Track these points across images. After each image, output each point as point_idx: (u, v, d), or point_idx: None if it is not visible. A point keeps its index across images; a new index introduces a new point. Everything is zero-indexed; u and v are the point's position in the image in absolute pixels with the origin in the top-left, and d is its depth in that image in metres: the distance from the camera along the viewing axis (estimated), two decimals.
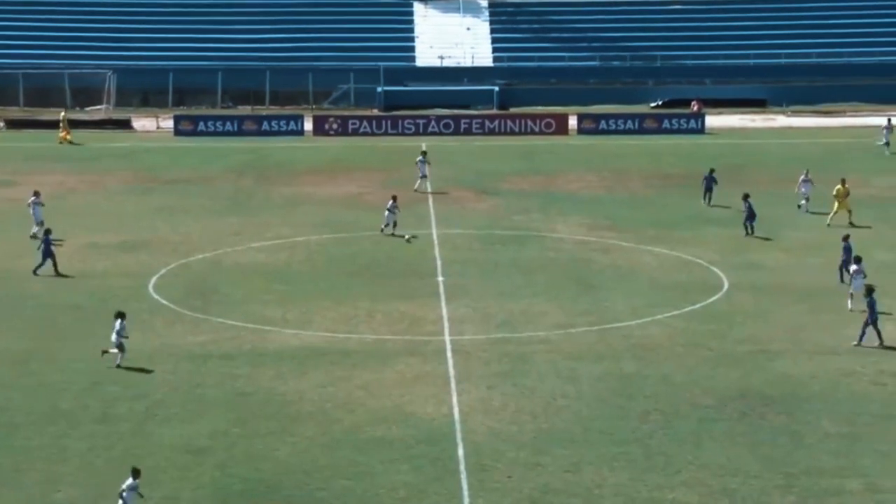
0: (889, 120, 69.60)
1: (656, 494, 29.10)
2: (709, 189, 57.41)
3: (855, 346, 38.34)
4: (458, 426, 32.88)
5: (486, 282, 46.26)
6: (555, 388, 35.57)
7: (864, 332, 38.37)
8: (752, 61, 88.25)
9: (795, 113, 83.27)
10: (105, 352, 37.23)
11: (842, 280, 44.37)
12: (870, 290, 38.57)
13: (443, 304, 43.52)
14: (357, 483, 29.38)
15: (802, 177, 56.71)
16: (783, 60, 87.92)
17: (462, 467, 30.41)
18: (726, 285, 45.49)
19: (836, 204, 54.42)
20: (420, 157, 61.64)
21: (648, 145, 74.62)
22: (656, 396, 34.94)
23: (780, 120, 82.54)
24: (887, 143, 68.02)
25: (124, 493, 27.51)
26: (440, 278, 46.69)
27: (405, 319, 41.87)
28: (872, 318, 38.17)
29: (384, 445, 31.79)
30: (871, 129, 77.96)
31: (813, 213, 55.49)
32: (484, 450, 31.40)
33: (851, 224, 53.68)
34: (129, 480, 27.66)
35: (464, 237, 52.42)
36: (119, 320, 37.32)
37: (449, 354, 38.44)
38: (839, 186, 54.82)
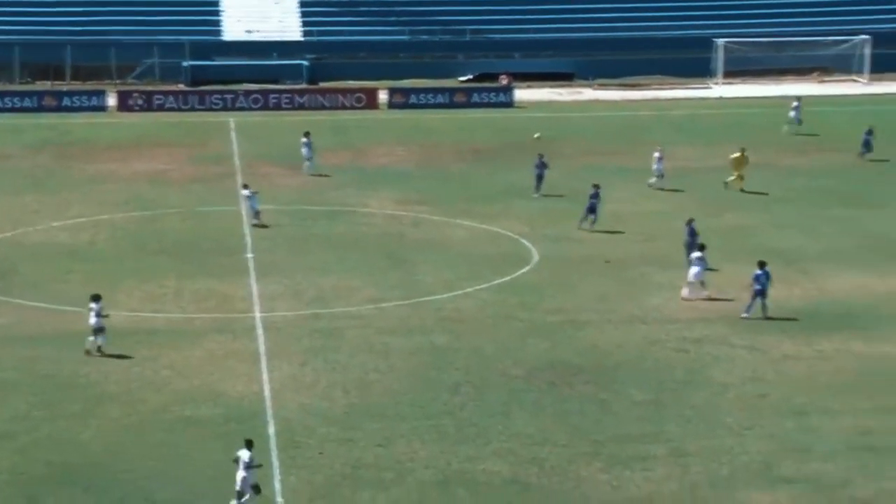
0: (799, 98, 70.82)
1: (467, 465, 29.53)
2: (540, 177, 55.42)
3: (743, 318, 39.05)
4: (268, 403, 32.87)
5: (296, 258, 46.20)
6: (367, 363, 35.78)
7: (751, 304, 39.26)
8: (559, 35, 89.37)
9: (602, 86, 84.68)
10: (88, 352, 36.01)
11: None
12: (762, 264, 39.34)
13: (253, 280, 43.36)
14: (165, 464, 29.17)
15: (657, 154, 57.34)
16: (589, 34, 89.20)
17: (273, 445, 30.43)
18: (536, 257, 46.22)
19: (735, 170, 55.88)
20: (304, 139, 60.31)
21: (459, 119, 75.21)
22: (467, 369, 35.41)
23: (587, 93, 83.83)
24: (798, 122, 69.18)
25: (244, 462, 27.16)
26: (249, 255, 46.47)
27: (214, 297, 41.61)
28: (759, 290, 39.05)
29: (193, 425, 31.61)
30: (671, 102, 79.70)
31: (662, 189, 55.92)
32: (295, 426, 31.46)
33: (742, 190, 55.03)
34: (245, 452, 27.24)
35: (274, 213, 52.18)
36: (94, 302, 36.11)
37: (259, 331, 38.35)
38: (738, 154, 56.15)
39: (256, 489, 27.28)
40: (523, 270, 44.72)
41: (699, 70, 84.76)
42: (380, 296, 41.82)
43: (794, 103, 69.35)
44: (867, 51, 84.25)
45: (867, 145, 61.60)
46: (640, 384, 34.23)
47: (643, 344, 37.36)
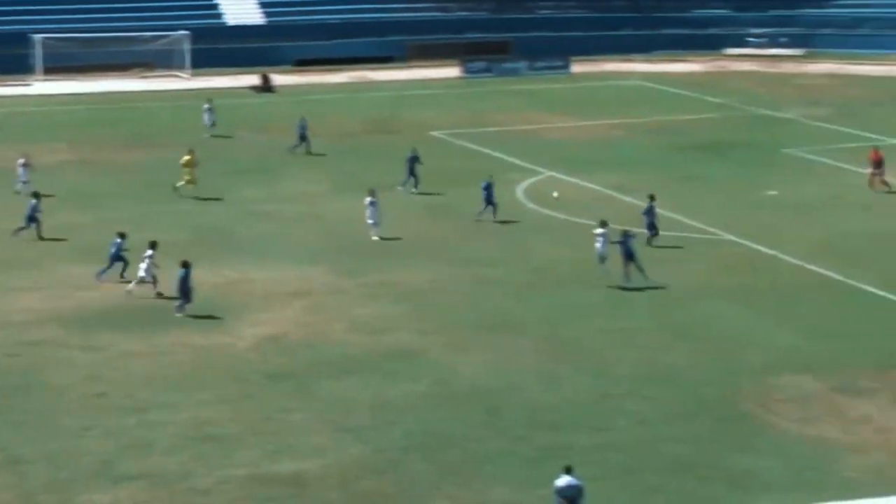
0: (210, 100, 68.98)
1: None
2: None
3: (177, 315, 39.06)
4: None
5: None
6: None
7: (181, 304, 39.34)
8: None
9: None
10: None
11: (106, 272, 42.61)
12: (185, 265, 39.37)
13: None
14: None
15: (21, 160, 54.88)
16: None
17: None
18: None
19: (185, 172, 54.36)
20: None
21: None
22: None
23: None
24: (213, 124, 67.58)
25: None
26: None
27: None
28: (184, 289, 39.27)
29: None
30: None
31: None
32: None
33: (197, 198, 53.65)
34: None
35: None
36: None
37: None
38: (188, 156, 54.70)
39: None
40: None
41: (17, 66, 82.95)
42: None
43: (206, 105, 68.77)
44: (187, 46, 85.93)
45: (303, 138, 62.64)
46: None
47: None
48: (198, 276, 42.77)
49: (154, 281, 40.96)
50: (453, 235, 48.74)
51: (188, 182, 54.88)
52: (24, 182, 54.35)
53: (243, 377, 34.72)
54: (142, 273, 40.98)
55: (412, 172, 55.27)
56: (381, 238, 47.54)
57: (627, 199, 53.47)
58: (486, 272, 44.13)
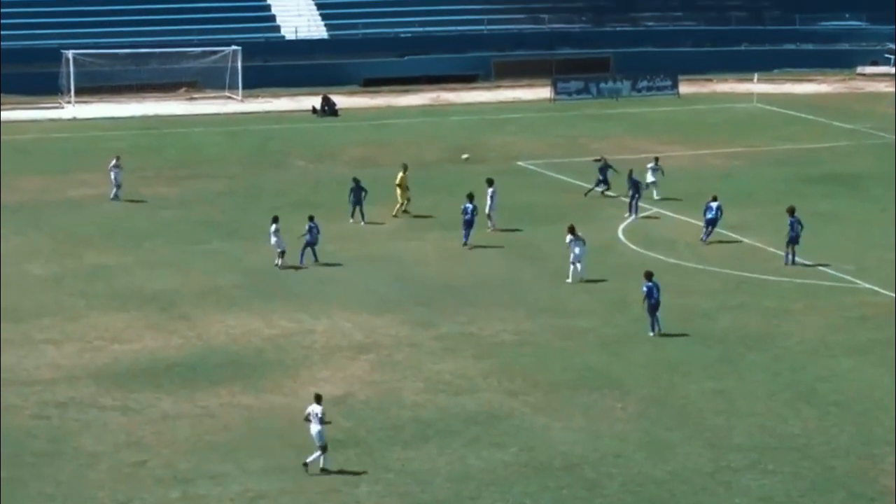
0: None
1: None
2: None
3: None
4: None
5: None
6: None
7: None
8: None
9: None
10: None
11: None
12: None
13: None
14: None
15: (113, 162, 59.15)
16: None
17: None
18: None
19: (399, 192, 56.97)
20: None
21: None
22: None
23: None
24: None
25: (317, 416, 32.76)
26: None
27: None
28: None
29: None
30: (18, 125, 78.67)
31: None
32: None
33: (406, 212, 57.05)
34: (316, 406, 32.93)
35: None
36: None
37: None
38: (402, 174, 57.13)
39: (324, 448, 32.70)
40: None
41: (47, 87, 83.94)
42: None
43: None
44: (239, 63, 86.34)
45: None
46: None
47: None
48: (247, 327, 43.16)
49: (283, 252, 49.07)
50: (539, 280, 48.71)
51: (402, 204, 56.97)
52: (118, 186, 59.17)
53: (302, 444, 34.81)
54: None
55: (358, 202, 56.35)
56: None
57: (747, 240, 53.21)
58: (579, 323, 44.05)
